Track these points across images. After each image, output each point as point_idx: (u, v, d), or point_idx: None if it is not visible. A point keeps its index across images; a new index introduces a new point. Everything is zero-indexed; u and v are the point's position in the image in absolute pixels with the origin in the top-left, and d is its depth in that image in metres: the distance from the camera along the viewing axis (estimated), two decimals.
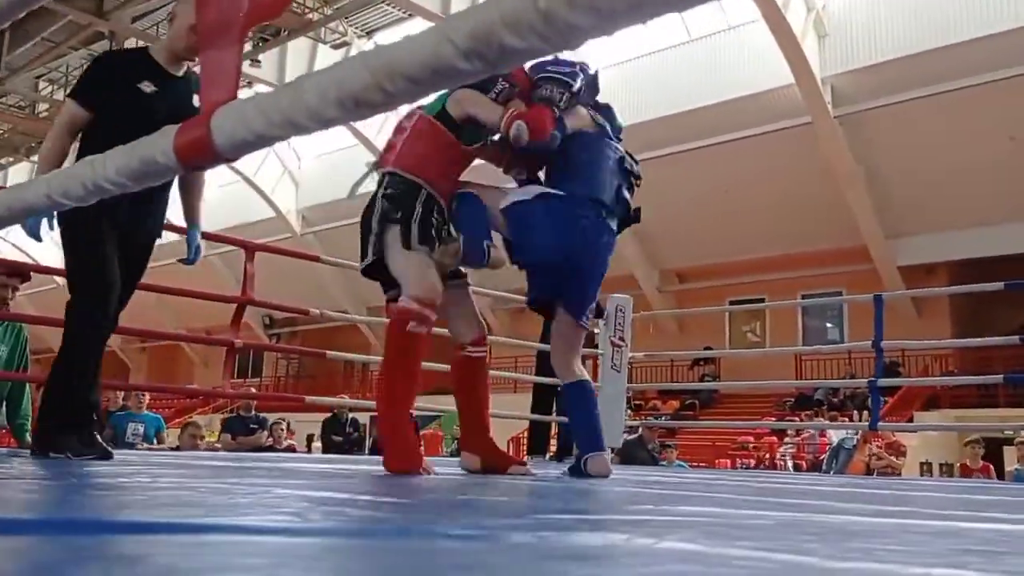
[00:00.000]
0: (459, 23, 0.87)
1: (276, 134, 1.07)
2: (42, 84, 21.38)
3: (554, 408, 6.02)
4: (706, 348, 16.61)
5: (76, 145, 3.01)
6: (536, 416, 6.04)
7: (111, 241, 2.96)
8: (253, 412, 8.30)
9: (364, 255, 2.98)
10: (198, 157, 1.17)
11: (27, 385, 4.39)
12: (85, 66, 3.13)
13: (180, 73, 3.11)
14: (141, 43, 18.25)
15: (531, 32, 0.83)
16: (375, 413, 10.86)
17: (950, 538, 1.20)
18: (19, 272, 4.28)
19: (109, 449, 2.97)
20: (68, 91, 3.25)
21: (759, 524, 1.24)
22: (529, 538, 0.90)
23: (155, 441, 6.99)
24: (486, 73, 0.90)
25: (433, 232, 2.92)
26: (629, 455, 7.75)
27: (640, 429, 8.31)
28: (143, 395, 7.39)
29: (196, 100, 3.02)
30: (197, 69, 2.98)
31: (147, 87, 3.00)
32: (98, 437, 2.97)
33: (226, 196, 24.32)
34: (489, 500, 1.66)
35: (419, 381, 2.94)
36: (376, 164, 3.18)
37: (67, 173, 1.39)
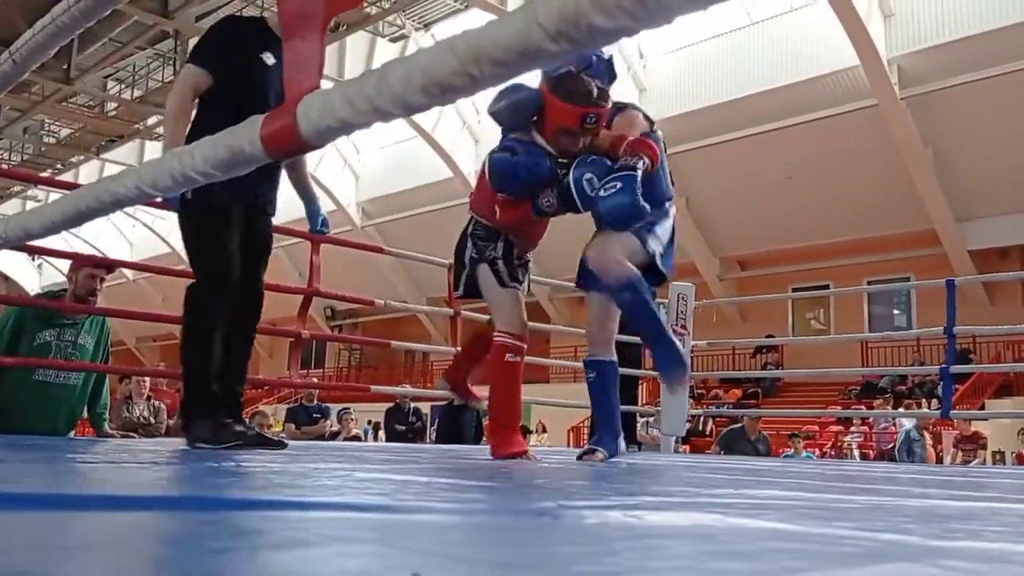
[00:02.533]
0: (546, 5, 0.87)
1: (361, 121, 1.09)
2: (111, 84, 21.94)
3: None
4: (768, 336, 16.37)
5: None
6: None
7: (235, 224, 2.98)
8: (316, 402, 8.44)
9: (457, 286, 3.34)
10: (285, 145, 1.19)
11: (107, 377, 4.53)
12: (205, 31, 3.11)
13: None
14: None
15: (620, 11, 0.83)
16: (437, 402, 10.92)
17: None
18: (105, 265, 4.41)
19: (252, 436, 2.92)
20: (189, 56, 3.21)
21: (848, 507, 1.23)
22: (621, 517, 0.90)
23: None
24: (573, 54, 0.90)
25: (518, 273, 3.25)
26: (730, 446, 7.73)
27: (744, 419, 8.31)
28: None
29: None
30: None
31: (268, 58, 2.97)
32: (236, 426, 2.89)
33: (286, 190, 24.74)
34: (568, 482, 1.66)
35: (520, 398, 3.28)
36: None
37: (155, 165, 1.43)
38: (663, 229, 3.12)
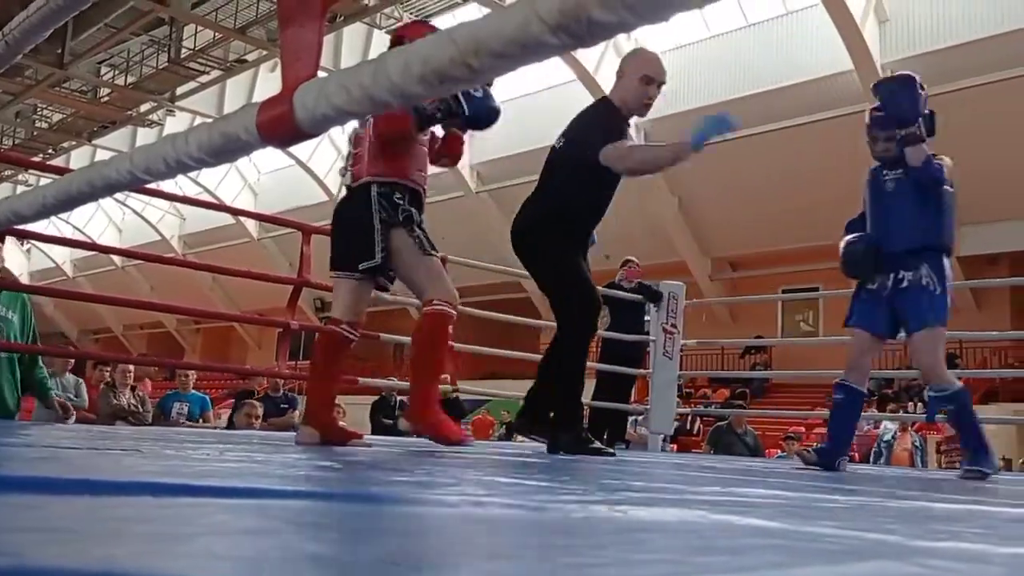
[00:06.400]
0: None
1: (357, 109, 1.08)
2: (104, 69, 21.83)
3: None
4: (757, 336, 16.43)
5: None
6: (600, 403, 6.09)
7: (583, 256, 3.54)
8: (282, 392, 8.23)
9: (358, 256, 3.04)
10: (280, 133, 1.18)
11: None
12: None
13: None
14: (200, 29, 18.56)
15: (620, 5, 0.83)
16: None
17: None
18: None
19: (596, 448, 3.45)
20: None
21: (834, 507, 1.24)
22: (607, 512, 0.91)
23: (200, 420, 7.05)
24: (574, 48, 0.90)
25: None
26: (720, 441, 7.75)
27: (730, 416, 8.36)
28: (189, 374, 7.46)
29: None
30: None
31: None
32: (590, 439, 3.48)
33: (279, 180, 24.66)
34: (554, 476, 1.67)
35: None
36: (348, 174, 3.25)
37: (148, 150, 1.42)
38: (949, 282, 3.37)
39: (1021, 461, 9.87)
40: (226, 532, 0.61)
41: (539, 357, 3.84)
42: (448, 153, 3.43)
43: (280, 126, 1.17)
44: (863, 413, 12.86)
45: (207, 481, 1.05)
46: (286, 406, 8.03)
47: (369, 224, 3.03)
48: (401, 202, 3.07)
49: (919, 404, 13.61)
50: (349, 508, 0.81)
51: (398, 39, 3.17)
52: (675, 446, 10.67)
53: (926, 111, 3.53)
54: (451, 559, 0.57)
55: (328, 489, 1.04)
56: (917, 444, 9.00)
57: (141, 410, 6.71)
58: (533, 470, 2.07)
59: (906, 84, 3.50)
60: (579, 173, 3.50)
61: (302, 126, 1.15)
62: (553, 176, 3.66)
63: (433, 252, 3.11)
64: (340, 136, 23.50)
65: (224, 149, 1.28)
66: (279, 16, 1.24)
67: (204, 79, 19.96)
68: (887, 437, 8.98)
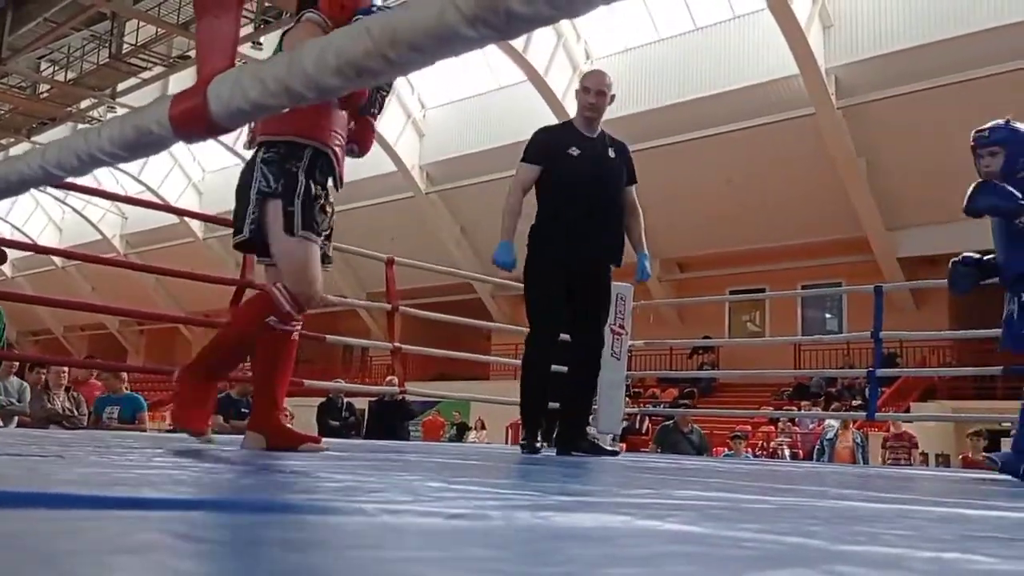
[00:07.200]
0: None
1: (272, 103, 1.05)
2: (44, 65, 21.29)
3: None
4: (705, 337, 16.61)
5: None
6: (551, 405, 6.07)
7: (556, 279, 3.76)
8: (248, 397, 8.10)
9: (238, 229, 2.66)
10: (194, 127, 1.14)
11: None
12: None
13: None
14: (142, 25, 18.17)
15: None
16: (371, 398, 10.62)
17: (956, 524, 1.18)
18: None
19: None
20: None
21: (761, 508, 1.23)
22: (529, 518, 0.88)
23: (135, 422, 6.81)
24: (493, 41, 0.87)
25: (316, 214, 2.65)
26: (667, 441, 7.81)
27: (674, 416, 8.45)
28: (122, 376, 7.22)
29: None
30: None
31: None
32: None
33: (226, 179, 24.26)
34: (490, 480, 1.64)
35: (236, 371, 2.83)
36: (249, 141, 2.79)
37: (61, 144, 1.36)
38: None
39: (960, 457, 10.12)
40: (104, 550, 0.56)
41: (488, 358, 3.89)
42: (359, 140, 2.89)
43: (193, 119, 1.13)
44: (808, 412, 13.06)
45: (114, 491, 1.00)
46: (247, 410, 7.85)
47: (246, 193, 2.63)
48: (295, 169, 2.59)
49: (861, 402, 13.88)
50: (250, 519, 0.78)
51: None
52: (624, 445, 10.72)
53: None
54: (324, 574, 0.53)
55: (238, 498, 1.00)
56: (858, 441, 9.19)
57: (76, 413, 6.52)
58: (473, 473, 2.03)
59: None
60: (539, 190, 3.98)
61: (217, 119, 1.11)
62: None
63: (307, 234, 2.61)
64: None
65: (137, 143, 1.23)
66: (195, 6, 1.20)
67: (146, 75, 19.56)
68: (829, 435, 9.15)
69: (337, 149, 2.72)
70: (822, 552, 0.71)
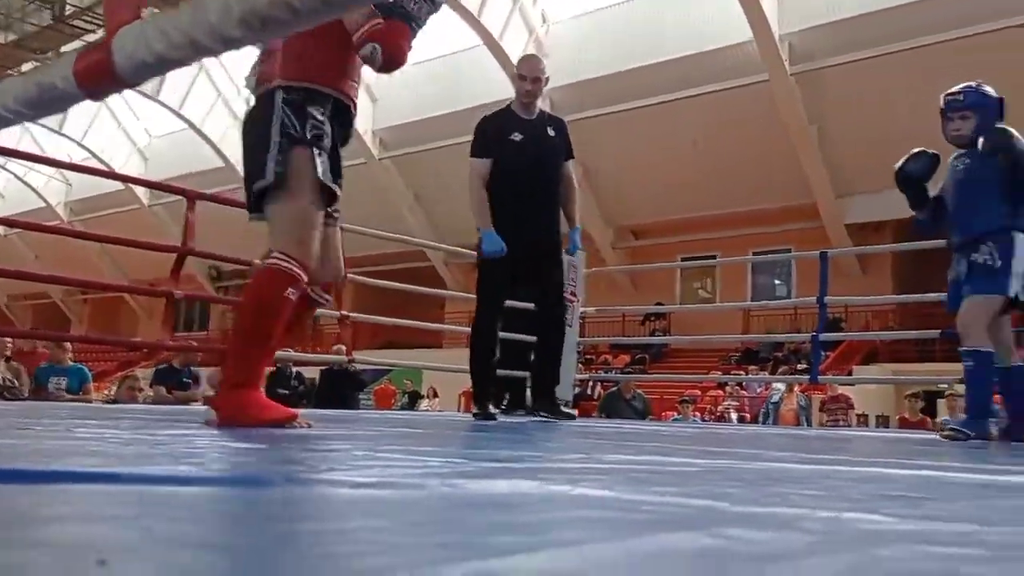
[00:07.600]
0: None
1: (178, 56, 1.00)
2: None
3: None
4: (657, 303, 16.77)
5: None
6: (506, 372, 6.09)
7: (502, 263, 3.93)
8: (188, 366, 7.88)
9: (250, 179, 2.39)
10: (99, 82, 1.09)
11: None
12: None
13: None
14: None
15: None
16: (323, 367, 10.45)
17: (872, 483, 1.19)
18: None
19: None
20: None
21: (686, 472, 1.23)
22: (439, 486, 0.87)
23: (80, 393, 6.75)
24: None
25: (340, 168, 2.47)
26: (610, 407, 7.89)
27: (620, 382, 8.53)
28: (66, 346, 7.11)
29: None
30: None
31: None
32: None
33: (172, 144, 23.70)
34: (423, 448, 1.63)
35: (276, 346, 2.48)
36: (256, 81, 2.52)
37: None
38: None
39: (897, 418, 10.39)
40: (77, 519, 0.54)
41: (441, 326, 3.91)
42: (393, 48, 2.45)
43: (98, 74, 1.08)
44: (754, 376, 13.19)
45: (72, 464, 0.96)
46: (188, 380, 7.71)
47: (266, 136, 2.35)
48: (316, 116, 2.39)
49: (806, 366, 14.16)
50: (191, 491, 0.75)
51: None
52: (576, 411, 10.81)
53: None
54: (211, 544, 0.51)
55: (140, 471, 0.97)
56: (803, 404, 9.36)
57: (17, 384, 6.38)
58: (408, 442, 2.02)
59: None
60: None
61: (122, 74, 1.06)
62: None
63: (334, 183, 2.42)
64: (236, 100, 22.45)
65: (41, 100, 1.18)
66: None
67: (90, 38, 18.97)
68: (775, 398, 9.31)
69: (355, 102, 2.54)
70: (722, 514, 0.71)
